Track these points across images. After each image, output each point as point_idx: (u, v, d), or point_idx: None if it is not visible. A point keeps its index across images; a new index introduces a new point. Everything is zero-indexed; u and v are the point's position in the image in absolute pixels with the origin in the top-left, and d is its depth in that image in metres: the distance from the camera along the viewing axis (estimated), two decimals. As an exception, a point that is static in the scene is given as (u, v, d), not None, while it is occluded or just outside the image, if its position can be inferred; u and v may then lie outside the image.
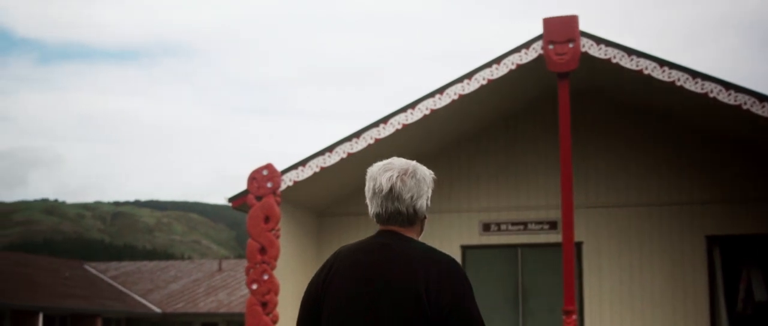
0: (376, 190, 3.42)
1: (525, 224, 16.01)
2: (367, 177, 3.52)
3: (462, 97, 14.39)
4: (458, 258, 16.12)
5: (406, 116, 14.59)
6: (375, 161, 13.31)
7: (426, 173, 3.51)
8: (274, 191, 14.70)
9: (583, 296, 15.50)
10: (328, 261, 3.52)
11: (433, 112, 14.48)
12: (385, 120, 14.67)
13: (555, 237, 15.46)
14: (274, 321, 14.38)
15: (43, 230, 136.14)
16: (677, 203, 15.37)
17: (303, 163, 14.91)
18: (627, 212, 15.59)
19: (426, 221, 3.53)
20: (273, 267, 14.46)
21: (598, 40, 13.92)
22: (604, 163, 15.82)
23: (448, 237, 16.20)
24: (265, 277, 14.43)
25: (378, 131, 14.69)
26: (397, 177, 3.40)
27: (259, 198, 14.75)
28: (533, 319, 15.74)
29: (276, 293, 14.42)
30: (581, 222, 15.39)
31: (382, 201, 3.41)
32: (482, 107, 15.54)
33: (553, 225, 15.72)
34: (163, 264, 41.30)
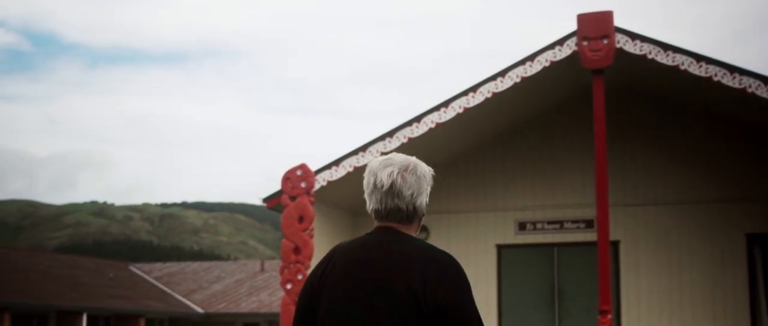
0: (377, 186, 3.36)
1: (561, 223, 15.86)
2: (367, 172, 3.46)
3: (495, 95, 14.27)
4: (494, 258, 16.02)
5: (439, 115, 14.51)
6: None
7: (426, 170, 3.46)
8: (307, 191, 14.70)
9: (620, 295, 15.31)
10: (325, 257, 3.46)
11: (466, 110, 14.38)
12: (418, 119, 14.60)
13: (591, 236, 15.27)
14: (309, 321, 14.36)
15: (92, 232, 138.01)
16: (716, 201, 15.12)
17: (336, 162, 14.90)
18: (665, 210, 15.37)
19: (424, 218, 3.48)
20: (307, 267, 14.46)
21: (634, 36, 13.72)
22: (640, 161, 15.62)
23: (483, 237, 16.11)
24: (300, 277, 14.44)
25: (411, 130, 14.63)
26: (398, 173, 3.35)
27: (293, 198, 14.76)
28: (569, 319, 15.58)
29: (310, 293, 14.41)
30: (618, 221, 15.21)
31: (382, 198, 3.35)
32: (516, 105, 15.42)
33: (589, 224, 15.54)
34: (206, 264, 41.61)
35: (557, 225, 15.88)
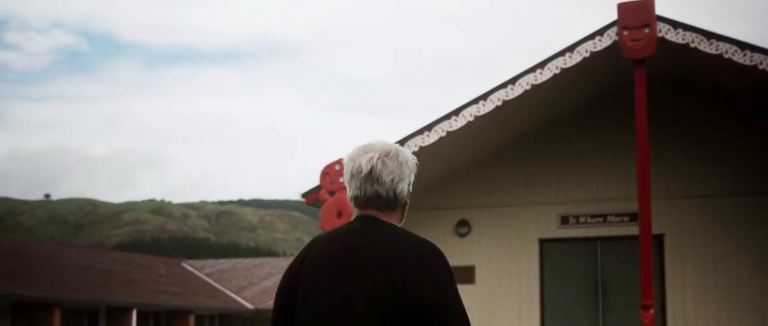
0: (355, 172, 3.25)
1: (604, 216, 15.59)
2: (346, 159, 3.35)
3: (535, 87, 14.04)
4: (536, 252, 15.79)
5: (477, 108, 14.32)
6: (448, 154, 13.18)
7: (408, 157, 3.34)
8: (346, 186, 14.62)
9: (665, 290, 15.01)
10: (303, 249, 3.36)
11: (505, 103, 14.17)
12: (456, 112, 14.43)
13: (635, 230, 14.92)
14: (348, 317, 14.31)
15: (150, 229, 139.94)
16: (763, 193, 14.73)
17: (375, 157, 14.79)
18: (711, 202, 15.03)
19: (407, 207, 3.35)
20: (346, 262, 14.39)
21: (675, 25, 13.41)
22: (685, 152, 15.29)
23: (525, 231, 15.91)
24: (339, 272, 14.37)
25: (449, 124, 14.46)
26: (378, 158, 3.23)
27: (331, 193, 14.70)
28: (613, 314, 15.32)
29: (349, 288, 14.35)
30: (663, 214, 14.90)
31: (361, 184, 3.24)
32: (557, 97, 15.18)
33: (633, 217, 15.22)
34: (257, 261, 41.83)
35: (600, 219, 15.61)
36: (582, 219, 15.72)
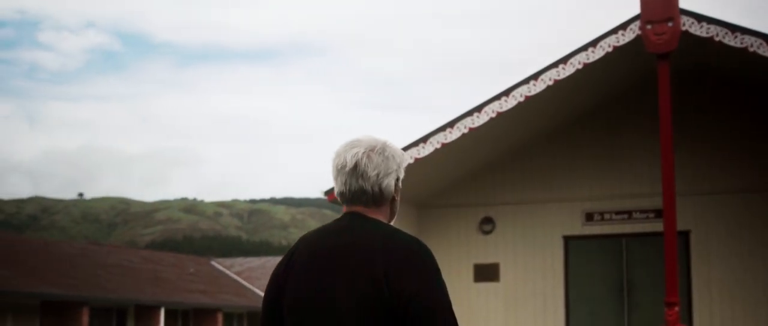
0: (340, 167, 3.21)
1: (629, 213, 15.42)
2: (333, 155, 3.30)
3: (557, 82, 13.91)
4: (560, 250, 15.65)
5: (500, 104, 14.20)
6: (470, 151, 13.06)
7: (396, 151, 3.29)
8: (368, 183, 14.56)
9: (691, 287, 14.81)
10: (291, 247, 3.33)
11: (527, 99, 14.05)
12: (479, 109, 14.32)
13: (661, 226, 14.71)
14: (370, 315, 14.25)
15: (182, 228, 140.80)
16: (792, 188, 14.50)
17: (396, 154, 14.70)
18: (738, 198, 14.82)
19: (396, 204, 3.29)
20: (368, 260, 14.34)
21: (700, 18, 13.22)
22: (710, 148, 15.09)
23: (549, 228, 15.77)
24: (361, 270, 14.32)
25: (472, 120, 14.35)
26: (364, 153, 3.19)
27: (353, 190, 14.65)
28: (639, 312, 15.14)
29: (371, 286, 14.30)
30: (688, 210, 14.71)
31: (346, 179, 3.19)
32: (580, 92, 15.04)
33: (659, 214, 15.01)
34: (286, 259, 41.83)
35: (625, 216, 15.44)
36: (607, 216, 15.56)
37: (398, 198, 3.31)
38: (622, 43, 13.56)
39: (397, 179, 3.28)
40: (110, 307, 28.64)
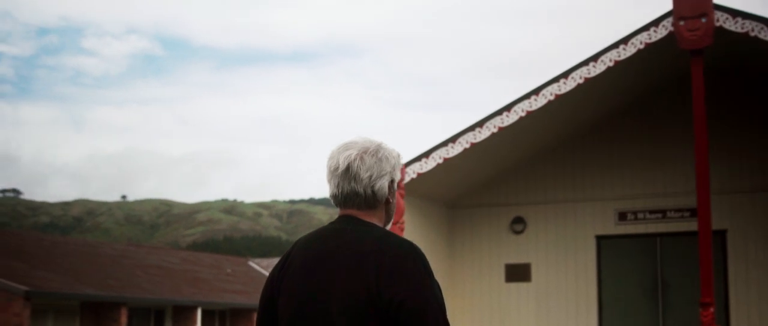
0: (332, 169, 3.17)
1: (663, 212, 15.18)
2: (328, 157, 3.26)
3: (588, 80, 13.75)
4: (593, 249, 15.46)
5: (529, 103, 14.06)
6: (501, 150, 12.90)
7: (390, 153, 3.23)
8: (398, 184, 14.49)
9: (728, 287, 14.55)
10: (286, 252, 3.30)
11: (557, 97, 13.90)
12: (508, 108, 14.19)
13: (696, 225, 14.52)
14: (400, 316, 14.18)
15: (223, 228, 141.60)
16: (830, 186, 14.20)
17: (426, 154, 14.63)
18: (775, 196, 14.52)
19: (392, 206, 3.23)
20: (399, 261, 14.25)
21: (734, 13, 12.99)
22: (746, 145, 14.81)
23: (582, 228, 15.59)
24: (391, 271, 14.24)
25: (501, 119, 14.23)
26: (356, 155, 3.15)
27: (384, 191, 14.57)
28: (674, 312, 14.91)
29: (402, 287, 14.21)
30: (724, 209, 14.46)
31: (338, 182, 3.16)
32: (612, 90, 14.84)
33: (693, 213, 14.78)
34: (323, 259, 41.94)
35: (659, 215, 15.21)
36: (640, 215, 15.34)
37: (393, 201, 3.26)
38: (654, 39, 13.37)
39: (392, 181, 3.23)
40: (148, 307, 28.86)
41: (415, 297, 2.89)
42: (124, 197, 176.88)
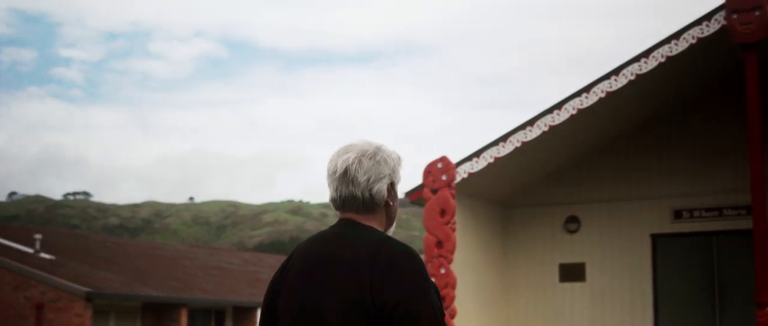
0: (331, 173, 3.19)
1: (720, 210, 14.89)
2: (328, 160, 3.28)
3: (639, 77, 13.56)
4: (648, 248, 15.23)
5: (580, 101, 13.93)
6: (553, 149, 12.81)
7: (389, 155, 3.22)
8: (448, 184, 14.44)
9: (786, 286, 14.19)
10: (288, 256, 3.33)
11: (608, 94, 13.74)
12: (558, 106, 14.07)
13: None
14: (452, 316, 14.14)
15: (289, 229, 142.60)
16: None
17: (477, 154, 14.58)
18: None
19: (393, 209, 3.22)
20: (450, 261, 14.22)
21: (789, 6, 12.69)
22: (804, 140, 14.43)
23: (637, 226, 15.38)
24: (442, 271, 14.22)
25: (552, 118, 14.11)
26: (355, 158, 3.16)
27: (434, 191, 14.55)
28: (732, 312, 14.62)
29: (453, 287, 14.17)
30: (782, 206, 14.09)
31: (337, 185, 3.18)
32: (665, 87, 14.60)
33: (751, 210, 14.47)
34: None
35: (716, 213, 14.92)
36: (696, 213, 15.07)
37: (393, 204, 3.25)
38: (706, 34, 13.15)
39: (391, 184, 3.23)
40: (208, 308, 29.22)
41: (411, 299, 2.89)
42: (191, 199, 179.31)
